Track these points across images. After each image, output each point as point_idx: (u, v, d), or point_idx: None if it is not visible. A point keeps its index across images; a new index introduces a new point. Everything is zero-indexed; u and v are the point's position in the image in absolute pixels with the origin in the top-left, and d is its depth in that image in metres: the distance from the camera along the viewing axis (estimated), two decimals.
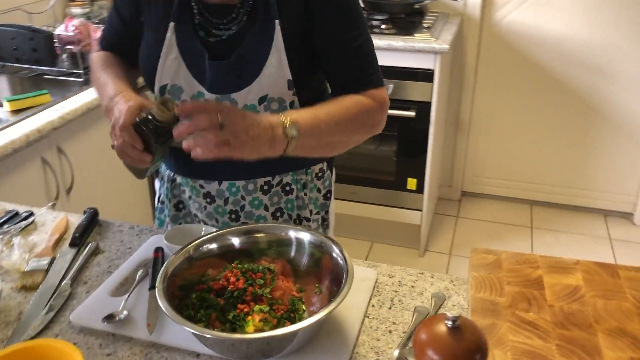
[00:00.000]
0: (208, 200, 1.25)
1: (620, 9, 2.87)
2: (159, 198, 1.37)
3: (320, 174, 1.33)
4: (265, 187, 1.25)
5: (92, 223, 1.26)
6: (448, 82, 3.09)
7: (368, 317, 0.99)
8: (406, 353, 0.90)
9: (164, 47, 1.14)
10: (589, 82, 3.05)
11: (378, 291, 1.05)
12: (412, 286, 1.07)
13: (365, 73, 1.17)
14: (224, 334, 0.85)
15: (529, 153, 3.31)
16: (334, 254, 0.97)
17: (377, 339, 0.95)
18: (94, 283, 1.09)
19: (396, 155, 2.84)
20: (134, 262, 1.12)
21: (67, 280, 1.08)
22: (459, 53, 3.14)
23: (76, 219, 1.29)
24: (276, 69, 1.13)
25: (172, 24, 1.15)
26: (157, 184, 1.43)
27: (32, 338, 0.95)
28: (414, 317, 0.98)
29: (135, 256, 1.14)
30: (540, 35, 3.02)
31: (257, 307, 0.93)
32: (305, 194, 1.30)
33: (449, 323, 0.63)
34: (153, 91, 1.19)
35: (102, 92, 1.18)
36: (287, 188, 1.27)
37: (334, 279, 0.96)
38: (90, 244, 1.19)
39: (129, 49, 1.23)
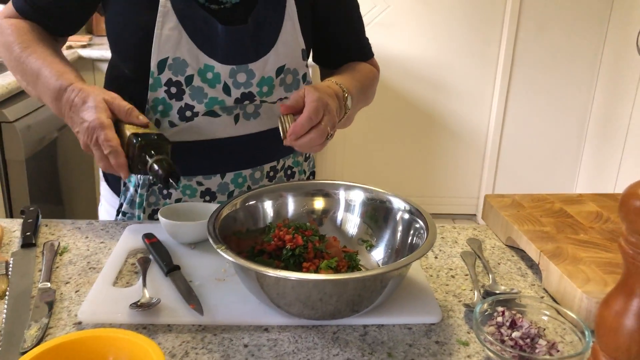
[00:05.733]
0: (207, 198, 1.07)
1: (450, 27, 3.18)
2: (118, 210, 1.10)
3: (307, 154, 1.24)
4: (271, 173, 1.13)
5: (37, 223, 1.00)
6: None
7: (422, 268, 0.91)
8: (491, 287, 0.84)
9: (158, 14, 0.95)
10: (430, 96, 3.31)
11: None
12: (442, 237, 1.02)
13: (367, 42, 1.20)
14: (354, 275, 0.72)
15: (380, 168, 3.47)
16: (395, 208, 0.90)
17: (446, 284, 0.87)
18: (79, 281, 0.85)
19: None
20: (121, 254, 0.91)
21: (43, 282, 0.83)
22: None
23: (9, 224, 1.02)
24: (291, 36, 1.04)
25: None
26: (104, 190, 1.18)
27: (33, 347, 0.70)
28: (466, 260, 0.93)
29: (120, 248, 0.92)
30: (386, 53, 3.21)
31: (324, 264, 0.80)
32: (303, 178, 1.23)
33: None
34: (140, 69, 0.98)
35: (36, 80, 0.97)
36: (289, 172, 1.18)
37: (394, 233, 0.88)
38: (47, 244, 0.93)
39: (68, 14, 1.03)
